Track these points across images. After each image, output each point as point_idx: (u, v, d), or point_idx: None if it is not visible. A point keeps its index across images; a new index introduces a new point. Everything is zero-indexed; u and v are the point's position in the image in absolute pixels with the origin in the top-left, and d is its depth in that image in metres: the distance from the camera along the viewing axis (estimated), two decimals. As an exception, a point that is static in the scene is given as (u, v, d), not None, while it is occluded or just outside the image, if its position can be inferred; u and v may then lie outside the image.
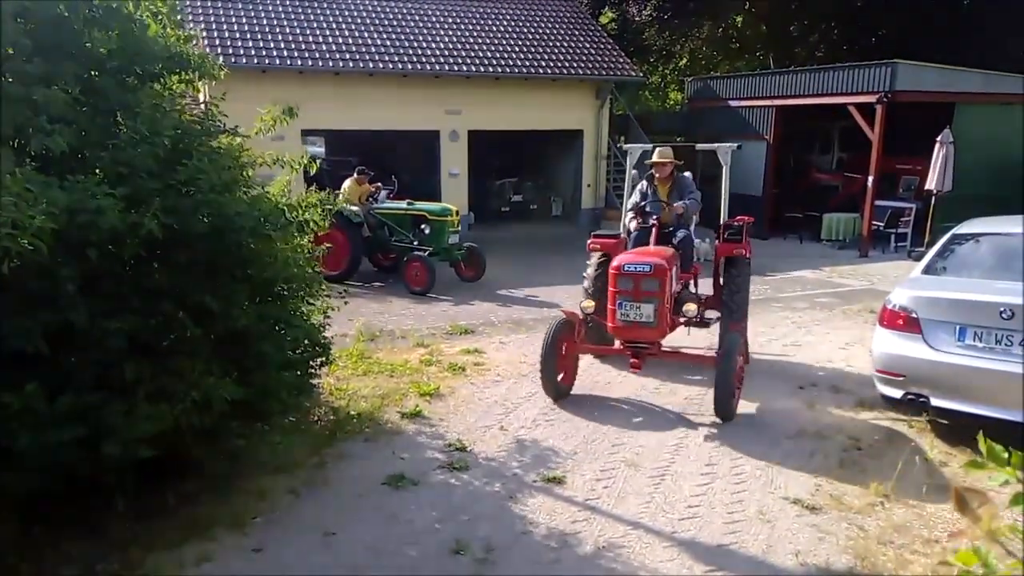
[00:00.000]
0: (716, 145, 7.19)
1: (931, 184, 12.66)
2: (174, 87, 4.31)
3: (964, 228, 5.75)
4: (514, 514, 4.08)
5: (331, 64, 13.63)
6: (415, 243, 10.66)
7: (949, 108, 13.38)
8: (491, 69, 14.99)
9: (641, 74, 19.28)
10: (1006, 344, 4.63)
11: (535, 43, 16.22)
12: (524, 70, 15.35)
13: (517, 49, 15.84)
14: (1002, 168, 13.43)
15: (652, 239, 6.23)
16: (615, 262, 5.64)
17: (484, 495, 4.31)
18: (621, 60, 16.83)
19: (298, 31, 13.97)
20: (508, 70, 15.17)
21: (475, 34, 15.83)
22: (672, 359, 6.09)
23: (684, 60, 27.36)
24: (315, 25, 14.31)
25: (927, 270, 5.53)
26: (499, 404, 5.78)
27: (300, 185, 5.29)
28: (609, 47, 17.10)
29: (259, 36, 13.52)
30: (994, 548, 1.23)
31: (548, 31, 16.80)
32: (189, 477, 4.09)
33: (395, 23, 15.17)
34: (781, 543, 3.80)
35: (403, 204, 11.10)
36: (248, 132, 4.50)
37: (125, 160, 3.43)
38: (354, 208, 10.65)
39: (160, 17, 4.12)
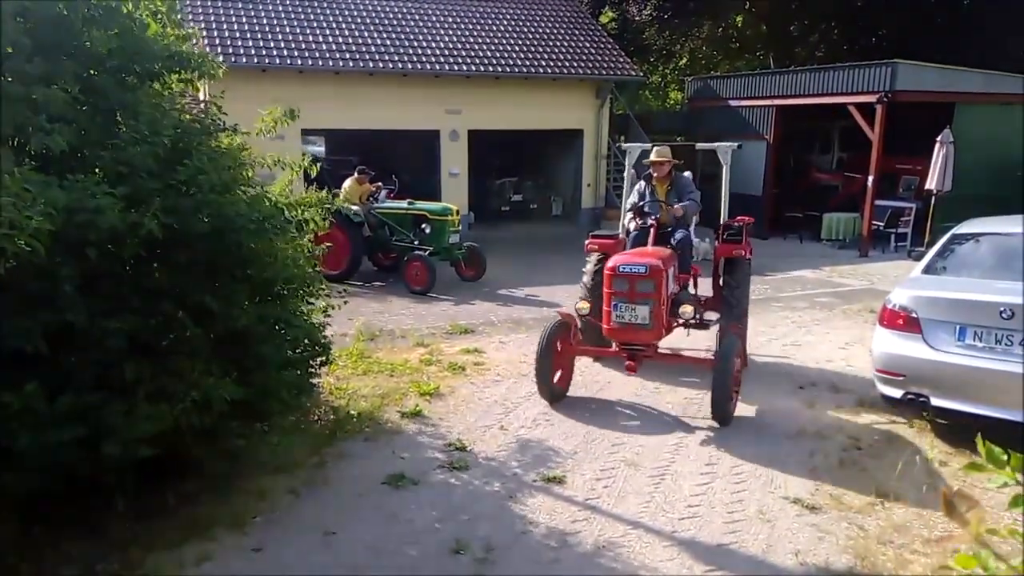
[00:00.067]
0: (716, 144, 7.17)
1: (931, 184, 12.66)
2: (173, 86, 4.31)
3: (964, 228, 5.75)
4: (514, 513, 4.08)
5: (331, 63, 13.62)
6: (415, 243, 10.66)
7: (949, 108, 13.38)
8: (491, 69, 14.99)
9: (641, 74, 19.28)
10: (1006, 344, 4.63)
11: (535, 43, 16.22)
12: (524, 70, 15.35)
13: (517, 49, 15.84)
14: (1002, 168, 13.44)
15: (650, 239, 6.18)
16: (610, 263, 5.58)
17: (484, 495, 4.31)
18: (621, 60, 16.83)
19: (298, 30, 13.97)
20: (508, 70, 15.17)
21: (475, 34, 15.82)
22: (669, 361, 6.04)
23: (684, 60, 27.35)
24: (315, 24, 14.30)
25: (927, 270, 5.53)
26: (499, 404, 5.78)
27: (301, 185, 5.29)
28: (609, 47, 17.09)
29: (259, 35, 13.52)
30: (982, 551, 1.23)
31: (548, 31, 16.80)
32: (189, 477, 4.09)
33: (395, 23, 15.16)
34: (781, 543, 3.80)
35: (404, 204, 11.10)
36: (248, 131, 4.50)
37: (125, 159, 3.43)
38: (355, 208, 10.65)
39: (160, 16, 4.11)
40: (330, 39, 14.10)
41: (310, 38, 13.92)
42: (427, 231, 10.61)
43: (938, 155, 12.52)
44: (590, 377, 6.40)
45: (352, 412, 5.42)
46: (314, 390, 5.05)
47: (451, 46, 15.11)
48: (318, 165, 5.00)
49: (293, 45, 13.59)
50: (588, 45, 16.76)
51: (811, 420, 5.47)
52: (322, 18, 14.55)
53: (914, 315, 5.01)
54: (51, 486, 3.31)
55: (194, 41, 4.49)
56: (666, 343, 6.11)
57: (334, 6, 15.01)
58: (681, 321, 5.95)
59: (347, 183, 10.90)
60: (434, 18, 15.75)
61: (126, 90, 3.78)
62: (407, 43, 14.69)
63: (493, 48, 15.55)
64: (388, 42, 14.54)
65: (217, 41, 12.88)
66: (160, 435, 3.43)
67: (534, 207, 17.81)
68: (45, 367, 3.23)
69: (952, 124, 12.92)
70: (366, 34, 14.56)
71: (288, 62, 13.28)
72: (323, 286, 4.98)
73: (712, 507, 4.16)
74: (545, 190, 18.24)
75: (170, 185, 3.54)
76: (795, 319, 8.79)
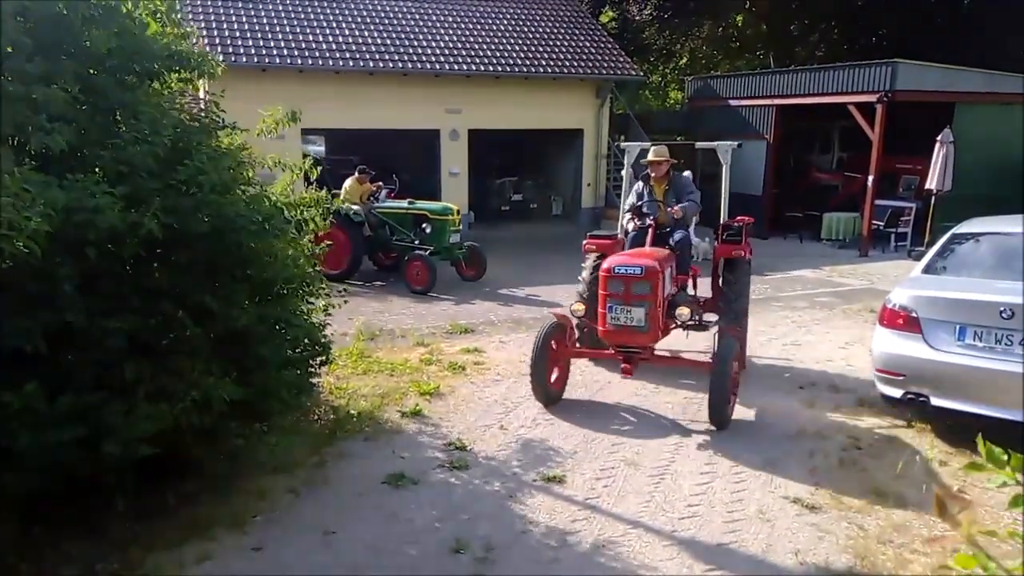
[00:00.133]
0: (716, 144, 7.13)
1: (931, 184, 12.66)
2: (173, 85, 4.31)
3: (964, 228, 5.75)
4: (514, 513, 4.08)
5: (331, 63, 13.62)
6: (416, 242, 10.66)
7: (949, 108, 13.38)
8: (491, 68, 14.99)
9: (641, 73, 19.27)
10: (1006, 344, 4.63)
11: (535, 42, 16.22)
12: (524, 69, 15.35)
13: (517, 48, 15.84)
14: (1002, 168, 13.44)
15: (648, 240, 6.08)
16: (605, 264, 5.48)
17: (484, 494, 4.31)
18: (621, 59, 16.83)
19: (298, 30, 13.97)
20: (508, 69, 15.17)
21: (475, 33, 15.82)
22: (665, 364, 5.91)
23: (684, 59, 27.34)
24: (315, 24, 14.31)
25: (927, 269, 5.53)
26: (499, 403, 5.78)
27: (301, 185, 5.30)
28: (609, 46, 17.09)
29: (259, 35, 13.52)
30: (980, 551, 1.23)
31: (548, 30, 16.80)
32: (189, 477, 4.09)
33: (395, 22, 15.17)
34: (781, 542, 3.80)
35: (404, 203, 11.10)
36: (247, 129, 4.51)
37: (125, 159, 3.43)
38: (355, 207, 10.66)
39: (159, 16, 4.12)
40: (330, 39, 14.10)
41: (310, 38, 13.92)
42: (428, 231, 10.61)
43: (938, 155, 12.53)
44: (590, 377, 6.40)
45: (352, 411, 5.42)
46: (314, 390, 5.05)
47: (451, 46, 15.11)
48: (319, 169, 5.01)
49: (293, 45, 13.60)
50: (588, 45, 16.76)
51: (811, 420, 5.46)
52: (322, 18, 14.55)
53: (914, 315, 5.01)
54: (51, 486, 3.31)
55: (194, 40, 4.50)
56: (665, 344, 6.08)
57: (334, 6, 15.01)
58: (678, 323, 5.86)
59: (348, 183, 10.91)
60: (434, 18, 15.75)
61: (126, 89, 3.78)
62: (407, 43, 14.69)
63: (493, 48, 15.55)
64: (388, 42, 14.54)
65: (217, 41, 12.88)
66: (160, 435, 3.44)
67: (534, 207, 17.81)
68: (45, 367, 3.23)
69: (952, 124, 12.92)
70: (366, 34, 14.56)
71: (288, 62, 13.28)
72: (323, 285, 4.98)
73: (712, 506, 4.17)
74: (545, 190, 18.24)
75: (170, 185, 3.54)
76: (795, 319, 8.79)
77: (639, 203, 6.44)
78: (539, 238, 15.34)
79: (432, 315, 8.82)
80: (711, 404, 5.11)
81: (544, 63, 15.69)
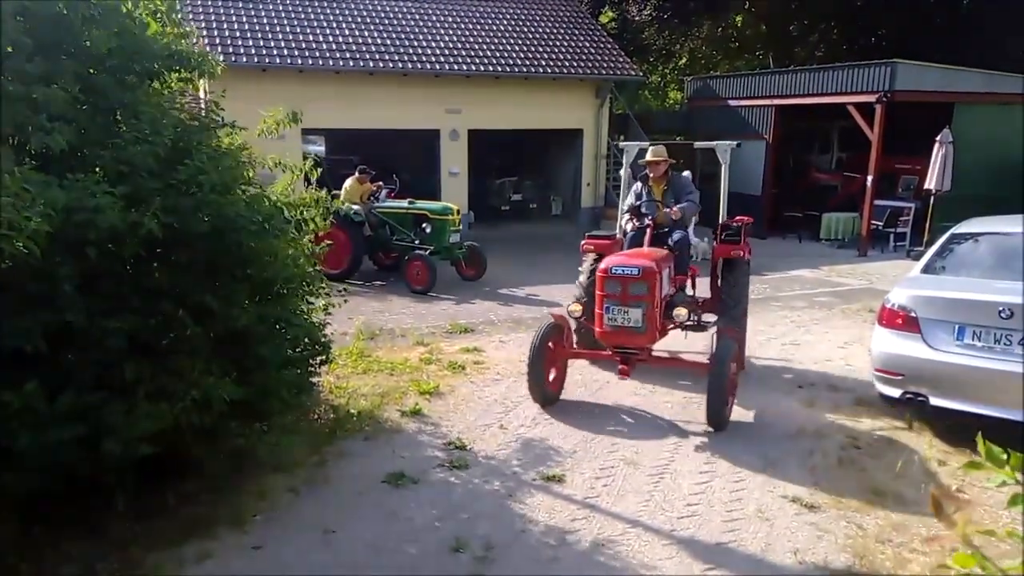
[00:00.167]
0: (715, 143, 7.09)
1: (930, 184, 12.68)
2: (173, 85, 4.31)
3: (963, 228, 5.76)
4: (513, 512, 4.09)
5: (331, 63, 13.63)
6: (416, 242, 10.67)
7: (948, 108, 13.40)
8: (491, 68, 15.00)
9: (641, 73, 19.28)
10: (1005, 343, 4.64)
11: (535, 42, 16.23)
12: (524, 69, 15.35)
13: (517, 48, 15.84)
14: (1001, 168, 13.45)
15: (646, 240, 6.05)
16: (603, 264, 5.46)
17: (484, 493, 4.31)
18: (621, 59, 16.84)
19: (298, 30, 13.97)
20: (508, 69, 15.18)
21: (475, 33, 15.83)
22: (663, 365, 5.89)
23: (684, 59, 27.35)
24: (315, 24, 14.31)
25: (926, 269, 5.54)
26: (499, 402, 5.79)
27: (301, 185, 5.31)
28: (609, 46, 17.10)
29: (259, 35, 13.52)
30: (980, 550, 1.24)
31: (548, 30, 16.81)
32: (189, 476, 4.09)
33: (395, 22, 15.17)
34: (780, 541, 3.81)
35: (404, 203, 11.11)
36: (245, 127, 4.51)
37: (126, 159, 3.44)
38: (355, 207, 10.67)
39: (159, 15, 4.12)
40: (330, 39, 14.10)
41: (310, 38, 13.93)
42: (428, 230, 10.62)
43: (937, 155, 12.54)
44: (589, 377, 6.40)
45: (352, 411, 5.42)
46: (314, 389, 5.06)
47: (451, 46, 15.11)
48: (319, 171, 5.02)
49: (293, 45, 13.60)
50: (588, 45, 16.77)
51: (810, 419, 5.47)
52: (322, 18, 14.56)
53: (913, 314, 5.01)
54: (51, 486, 3.31)
55: (194, 40, 4.50)
56: (664, 345, 6.08)
57: (334, 6, 15.02)
58: (675, 324, 5.82)
59: (348, 182, 10.92)
60: (434, 18, 15.76)
61: (126, 89, 3.78)
62: (407, 43, 14.70)
63: (493, 48, 15.55)
64: (388, 42, 14.54)
65: (217, 41, 12.89)
66: (160, 434, 3.44)
67: (534, 206, 17.82)
68: (45, 367, 3.24)
69: (951, 124, 12.94)
70: (366, 34, 14.56)
71: (288, 62, 13.28)
72: (323, 285, 4.99)
73: (711, 506, 4.17)
74: (545, 190, 18.25)
75: (170, 185, 3.55)
76: (794, 318, 8.80)
77: (637, 203, 6.42)
78: (539, 238, 15.35)
79: (432, 314, 8.83)
80: (709, 406, 5.08)
81: (544, 63, 15.70)
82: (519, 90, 15.54)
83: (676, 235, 6.25)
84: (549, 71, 15.58)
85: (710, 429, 5.21)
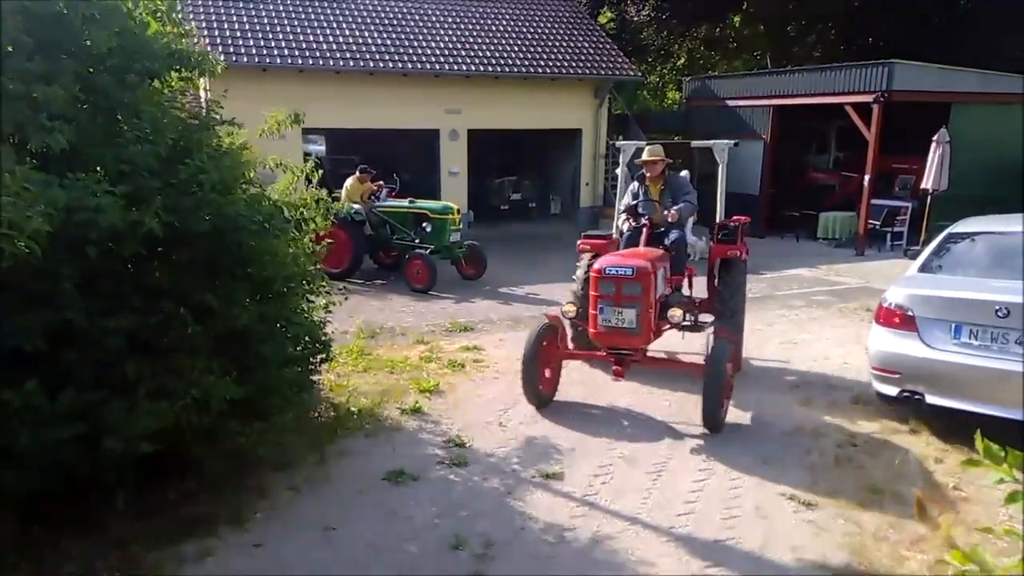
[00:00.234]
0: (712, 142, 7.07)
1: (927, 183, 12.71)
2: (173, 84, 4.32)
3: (960, 227, 5.78)
4: (513, 510, 4.11)
5: (331, 63, 13.63)
6: (417, 241, 10.70)
7: (945, 108, 13.43)
8: (491, 68, 15.01)
9: (639, 73, 19.29)
10: (1002, 342, 4.67)
11: (534, 43, 16.24)
12: (523, 69, 15.36)
13: (516, 49, 15.86)
14: (998, 168, 13.50)
15: (643, 240, 6.01)
16: (596, 264, 5.40)
17: (483, 491, 4.33)
18: (619, 60, 16.85)
19: (299, 30, 13.97)
20: (507, 69, 15.19)
21: (475, 33, 15.84)
22: (658, 366, 5.86)
23: (682, 60, 27.38)
24: (316, 24, 14.31)
25: (923, 268, 5.56)
26: (498, 401, 5.80)
27: (302, 184, 5.32)
28: (608, 47, 17.12)
29: (260, 35, 13.51)
30: (977, 547, 1.26)
31: (547, 31, 16.82)
32: (189, 475, 4.10)
33: (395, 22, 15.18)
34: (778, 539, 3.82)
35: (405, 202, 11.14)
36: (242, 123, 4.53)
37: (127, 158, 3.45)
38: (356, 206, 10.68)
39: (159, 15, 4.13)
40: (330, 39, 14.11)
41: (310, 38, 13.93)
42: (428, 230, 10.64)
43: (934, 154, 12.58)
44: (588, 375, 6.42)
45: (352, 409, 5.44)
46: (314, 387, 5.08)
47: (451, 46, 15.12)
48: (320, 172, 5.04)
49: (294, 44, 13.60)
50: (587, 45, 16.79)
51: (807, 418, 5.49)
52: (322, 18, 14.56)
53: (910, 313, 5.04)
54: (51, 485, 3.32)
55: (195, 40, 4.51)
56: (662, 345, 6.07)
57: (334, 6, 15.02)
58: (671, 324, 5.74)
59: (348, 182, 10.95)
60: (434, 18, 15.77)
61: (127, 88, 3.79)
62: (407, 43, 14.71)
63: (492, 48, 15.57)
64: (388, 42, 14.55)
65: (218, 40, 12.88)
66: (161, 432, 3.45)
67: (533, 206, 17.84)
68: (45, 365, 3.25)
69: (948, 124, 12.97)
70: (366, 34, 14.57)
71: (289, 61, 13.28)
72: (324, 284, 5.00)
73: (709, 503, 4.19)
74: (544, 189, 18.27)
75: (171, 184, 3.56)
76: (791, 317, 8.82)
77: (634, 203, 6.40)
78: (538, 237, 15.37)
79: (432, 313, 8.85)
80: (704, 408, 5.04)
81: (543, 63, 15.71)
82: (518, 90, 15.55)
83: (673, 235, 6.21)
84: (548, 71, 15.60)
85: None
